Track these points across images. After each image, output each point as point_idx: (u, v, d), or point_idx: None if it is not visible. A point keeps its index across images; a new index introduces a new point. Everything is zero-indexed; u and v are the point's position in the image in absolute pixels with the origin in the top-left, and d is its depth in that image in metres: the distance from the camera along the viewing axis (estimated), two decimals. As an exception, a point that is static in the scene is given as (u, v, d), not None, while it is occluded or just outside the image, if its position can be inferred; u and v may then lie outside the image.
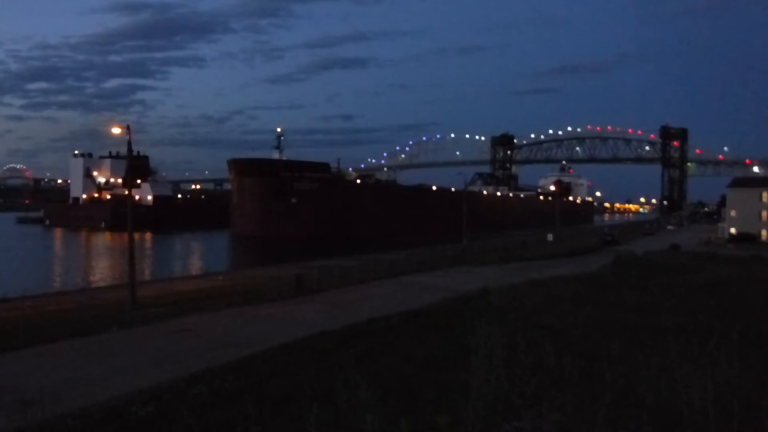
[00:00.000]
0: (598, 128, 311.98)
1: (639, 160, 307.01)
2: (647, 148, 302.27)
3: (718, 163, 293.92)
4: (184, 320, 27.05)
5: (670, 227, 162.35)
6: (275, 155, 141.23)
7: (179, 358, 19.41)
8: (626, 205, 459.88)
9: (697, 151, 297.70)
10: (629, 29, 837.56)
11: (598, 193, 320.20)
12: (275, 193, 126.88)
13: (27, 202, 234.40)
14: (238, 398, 12.32)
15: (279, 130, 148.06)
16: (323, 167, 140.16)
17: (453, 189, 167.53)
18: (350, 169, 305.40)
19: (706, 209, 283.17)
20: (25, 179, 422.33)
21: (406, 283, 41.92)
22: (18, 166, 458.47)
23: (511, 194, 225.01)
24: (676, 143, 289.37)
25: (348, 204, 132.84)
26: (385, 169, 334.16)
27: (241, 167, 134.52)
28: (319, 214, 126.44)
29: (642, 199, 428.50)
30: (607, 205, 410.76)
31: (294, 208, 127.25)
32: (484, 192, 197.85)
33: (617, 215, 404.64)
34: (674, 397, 9.40)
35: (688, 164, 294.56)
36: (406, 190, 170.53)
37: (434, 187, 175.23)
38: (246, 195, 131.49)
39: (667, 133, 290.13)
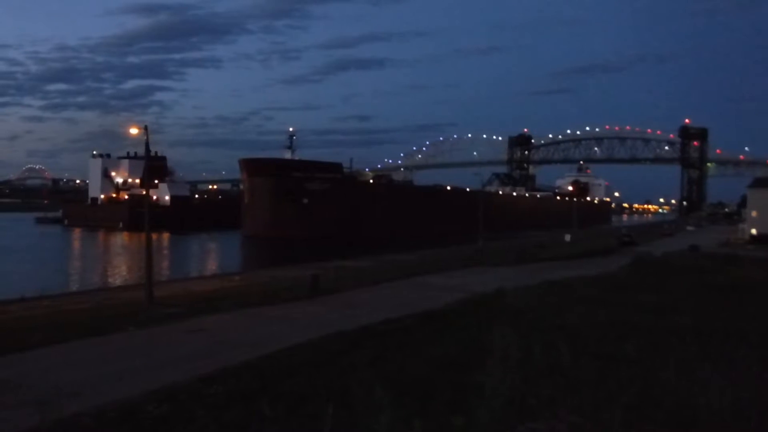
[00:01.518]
0: (616, 128, 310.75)
1: (658, 160, 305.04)
2: (666, 148, 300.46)
3: (738, 163, 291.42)
4: (200, 320, 27.12)
5: (689, 228, 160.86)
6: (287, 155, 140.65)
7: (195, 357, 19.45)
8: (645, 206, 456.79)
9: (717, 151, 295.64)
10: (648, 29, 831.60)
11: (616, 194, 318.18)
12: (286, 193, 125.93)
13: (45, 202, 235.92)
14: (253, 398, 12.32)
15: (291, 129, 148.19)
16: (335, 167, 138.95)
17: (468, 189, 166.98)
18: (366, 169, 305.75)
19: (726, 210, 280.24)
20: (43, 179, 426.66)
21: (421, 283, 41.81)
22: (37, 167, 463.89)
23: (527, 194, 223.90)
24: (695, 143, 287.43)
25: (360, 204, 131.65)
26: (402, 169, 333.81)
27: (252, 167, 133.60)
28: (330, 214, 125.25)
29: (661, 200, 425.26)
30: (625, 205, 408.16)
31: (305, 208, 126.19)
32: (500, 192, 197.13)
33: (636, 216, 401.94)
34: (692, 398, 9.31)
35: (708, 164, 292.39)
36: (420, 190, 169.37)
37: (449, 187, 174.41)
38: (257, 195, 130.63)
39: (686, 133, 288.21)
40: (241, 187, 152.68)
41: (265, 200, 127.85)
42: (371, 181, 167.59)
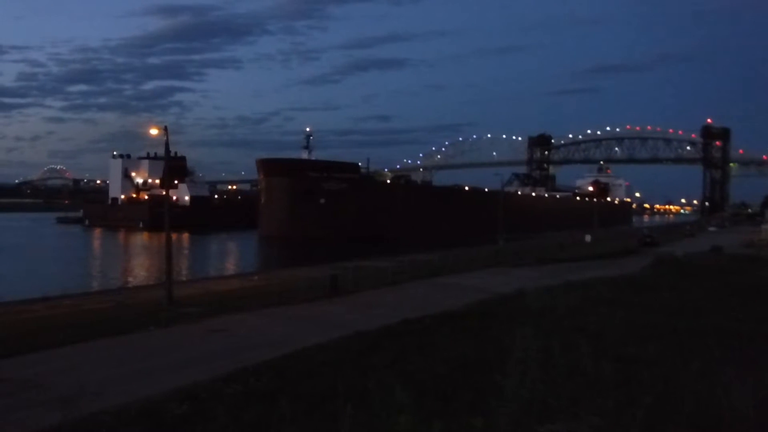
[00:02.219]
0: (637, 128, 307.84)
1: (680, 160, 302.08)
2: (688, 148, 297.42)
3: (761, 163, 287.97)
4: (220, 320, 27.26)
5: (711, 229, 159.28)
6: (304, 155, 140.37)
7: (215, 357, 19.55)
8: (666, 206, 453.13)
9: (740, 151, 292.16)
10: (669, 28, 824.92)
11: (637, 194, 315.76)
12: (303, 193, 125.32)
13: (66, 202, 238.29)
14: (273, 398, 12.34)
15: (308, 129, 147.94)
16: (352, 167, 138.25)
17: (485, 189, 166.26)
18: (386, 169, 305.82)
19: (749, 210, 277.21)
20: (64, 180, 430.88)
21: (441, 284, 41.75)
22: (58, 167, 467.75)
23: (546, 195, 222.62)
24: (718, 143, 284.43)
25: (377, 204, 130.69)
26: (421, 169, 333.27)
27: (269, 167, 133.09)
28: (347, 214, 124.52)
29: (683, 200, 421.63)
30: (646, 206, 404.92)
31: (322, 208, 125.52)
32: (518, 192, 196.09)
33: (657, 216, 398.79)
34: (714, 401, 9.21)
35: (731, 164, 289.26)
36: (438, 190, 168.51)
37: (467, 188, 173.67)
38: (274, 195, 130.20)
39: (708, 133, 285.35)
40: (258, 187, 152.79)
41: (282, 200, 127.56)
42: (388, 181, 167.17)
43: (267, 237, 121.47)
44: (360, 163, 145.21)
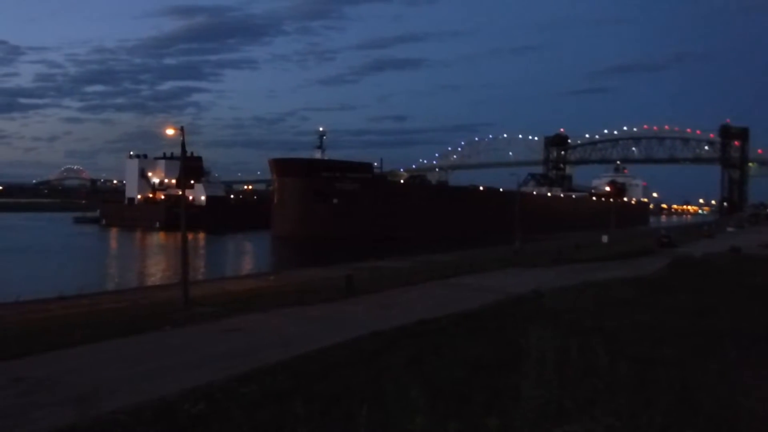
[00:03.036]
0: (654, 128, 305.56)
1: (697, 160, 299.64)
2: (706, 147, 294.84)
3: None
4: (236, 320, 27.32)
5: (729, 229, 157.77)
6: (317, 155, 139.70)
7: (230, 357, 19.58)
8: (684, 207, 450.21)
9: (759, 150, 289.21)
10: (687, 27, 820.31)
11: (654, 194, 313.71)
12: (316, 193, 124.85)
13: (83, 202, 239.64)
14: (288, 398, 12.36)
15: (321, 129, 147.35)
16: (365, 167, 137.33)
17: (500, 189, 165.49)
18: (401, 169, 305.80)
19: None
20: (81, 180, 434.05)
21: (457, 284, 41.64)
22: (75, 167, 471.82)
23: (561, 195, 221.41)
24: (736, 143, 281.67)
25: (391, 204, 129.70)
26: (437, 169, 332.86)
27: (282, 167, 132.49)
28: (360, 214, 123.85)
29: (701, 201, 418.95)
30: (664, 206, 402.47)
31: (335, 208, 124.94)
32: (533, 192, 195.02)
33: (675, 217, 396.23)
34: (733, 403, 9.12)
35: (749, 164, 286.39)
36: (453, 190, 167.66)
37: (481, 188, 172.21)
38: (286, 195, 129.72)
39: (727, 133, 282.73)
40: (271, 187, 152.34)
41: (295, 200, 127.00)
42: (401, 181, 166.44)
43: (280, 237, 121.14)
44: (375, 164, 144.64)
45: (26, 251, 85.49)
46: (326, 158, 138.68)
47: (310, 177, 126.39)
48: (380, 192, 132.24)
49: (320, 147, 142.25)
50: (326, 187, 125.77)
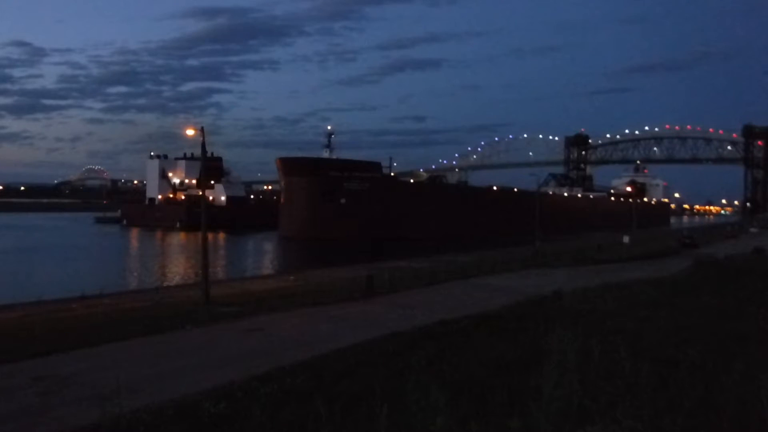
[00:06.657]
0: (676, 127, 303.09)
1: (720, 160, 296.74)
2: (729, 147, 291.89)
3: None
4: (256, 319, 27.44)
5: (753, 230, 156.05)
6: (325, 154, 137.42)
7: (251, 356, 19.67)
8: (706, 207, 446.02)
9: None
10: (710, 26, 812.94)
11: (676, 195, 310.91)
12: (324, 193, 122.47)
13: (105, 202, 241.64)
14: (309, 398, 12.39)
15: (329, 128, 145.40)
16: (374, 166, 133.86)
17: (515, 189, 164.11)
18: (421, 170, 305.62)
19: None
20: (103, 180, 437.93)
21: (477, 284, 41.53)
22: (96, 168, 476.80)
23: (579, 195, 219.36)
24: (760, 143, 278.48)
25: (401, 204, 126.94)
26: (457, 170, 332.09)
27: (289, 166, 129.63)
28: (369, 214, 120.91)
29: (723, 201, 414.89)
30: (686, 206, 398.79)
31: (343, 208, 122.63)
32: (550, 192, 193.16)
33: (697, 217, 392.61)
34: (757, 406, 9.02)
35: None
36: (467, 190, 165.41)
37: (494, 188, 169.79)
38: (294, 195, 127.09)
39: (750, 132, 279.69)
40: (278, 187, 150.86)
41: (302, 200, 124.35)
42: (411, 180, 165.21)
43: (288, 237, 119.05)
44: (393, 163, 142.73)
45: (50, 249, 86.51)
46: (335, 157, 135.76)
47: (318, 176, 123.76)
48: (390, 192, 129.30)
49: (328, 146, 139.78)
50: (334, 186, 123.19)
